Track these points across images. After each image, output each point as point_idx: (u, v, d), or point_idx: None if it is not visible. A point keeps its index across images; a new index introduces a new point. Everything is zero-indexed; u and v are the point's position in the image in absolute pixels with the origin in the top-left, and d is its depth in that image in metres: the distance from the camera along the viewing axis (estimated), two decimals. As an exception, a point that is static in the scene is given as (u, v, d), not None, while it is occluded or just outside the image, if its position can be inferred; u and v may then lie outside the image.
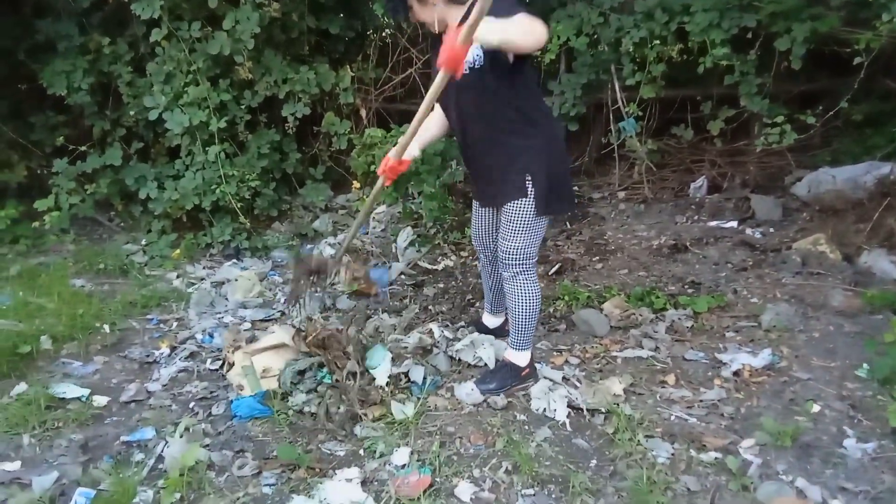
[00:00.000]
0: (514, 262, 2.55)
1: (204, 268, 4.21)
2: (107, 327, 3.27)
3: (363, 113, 4.76)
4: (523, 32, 2.03)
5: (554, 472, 2.21)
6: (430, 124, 2.58)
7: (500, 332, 3.02)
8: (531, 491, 2.13)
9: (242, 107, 4.29)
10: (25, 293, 3.51)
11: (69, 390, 2.71)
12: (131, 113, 4.47)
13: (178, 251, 4.30)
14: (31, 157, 4.84)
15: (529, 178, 2.41)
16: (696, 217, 4.58)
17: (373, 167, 4.19)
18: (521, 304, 2.61)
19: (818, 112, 4.14)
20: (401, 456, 2.28)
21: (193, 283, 3.93)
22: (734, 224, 4.36)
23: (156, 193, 4.28)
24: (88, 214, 4.48)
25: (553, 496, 2.11)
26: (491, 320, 3.11)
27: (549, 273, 3.89)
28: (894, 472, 2.13)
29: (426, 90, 2.40)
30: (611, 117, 4.78)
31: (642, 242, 4.25)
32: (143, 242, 4.48)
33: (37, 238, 4.41)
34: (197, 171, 4.17)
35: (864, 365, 2.69)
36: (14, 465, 2.27)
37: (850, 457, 2.21)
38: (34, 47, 4.57)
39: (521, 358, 2.70)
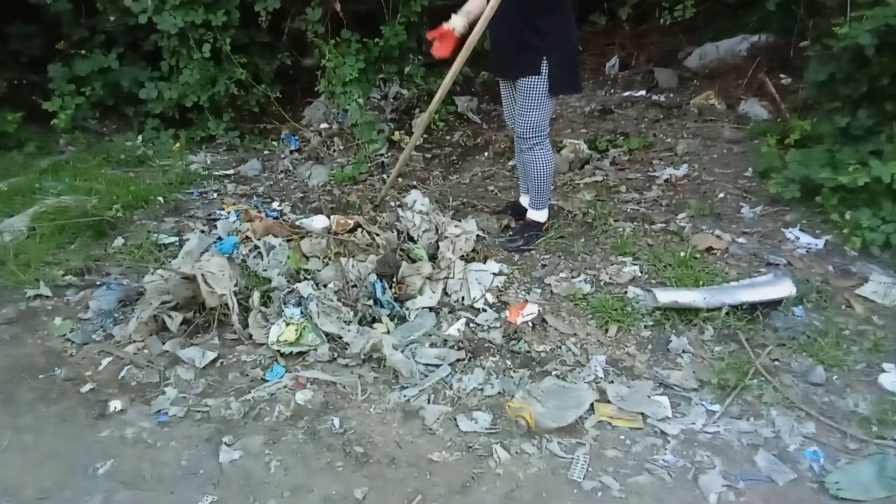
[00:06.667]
0: (530, 135, 2.99)
1: (208, 158, 4.74)
2: (161, 199, 3.85)
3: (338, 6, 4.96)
4: None
5: (559, 243, 3.21)
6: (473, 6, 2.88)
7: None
8: (547, 257, 3.11)
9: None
10: (70, 180, 3.97)
11: (163, 238, 3.37)
12: (111, 18, 4.77)
13: (177, 145, 4.80)
14: (7, 69, 5.03)
15: (546, 59, 2.81)
16: (612, 90, 5.60)
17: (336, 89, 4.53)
18: (538, 169, 3.08)
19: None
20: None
21: (207, 168, 4.50)
22: (643, 92, 5.41)
23: (155, 94, 4.69)
24: (87, 115, 4.81)
25: (563, 259, 3.10)
26: (525, 199, 3.42)
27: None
28: (773, 221, 3.30)
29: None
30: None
31: (577, 110, 5.22)
32: (139, 140, 4.91)
33: (41, 140, 4.72)
34: (194, 70, 4.59)
35: (750, 169, 3.84)
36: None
37: (745, 217, 3.36)
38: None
39: (540, 215, 3.25)
